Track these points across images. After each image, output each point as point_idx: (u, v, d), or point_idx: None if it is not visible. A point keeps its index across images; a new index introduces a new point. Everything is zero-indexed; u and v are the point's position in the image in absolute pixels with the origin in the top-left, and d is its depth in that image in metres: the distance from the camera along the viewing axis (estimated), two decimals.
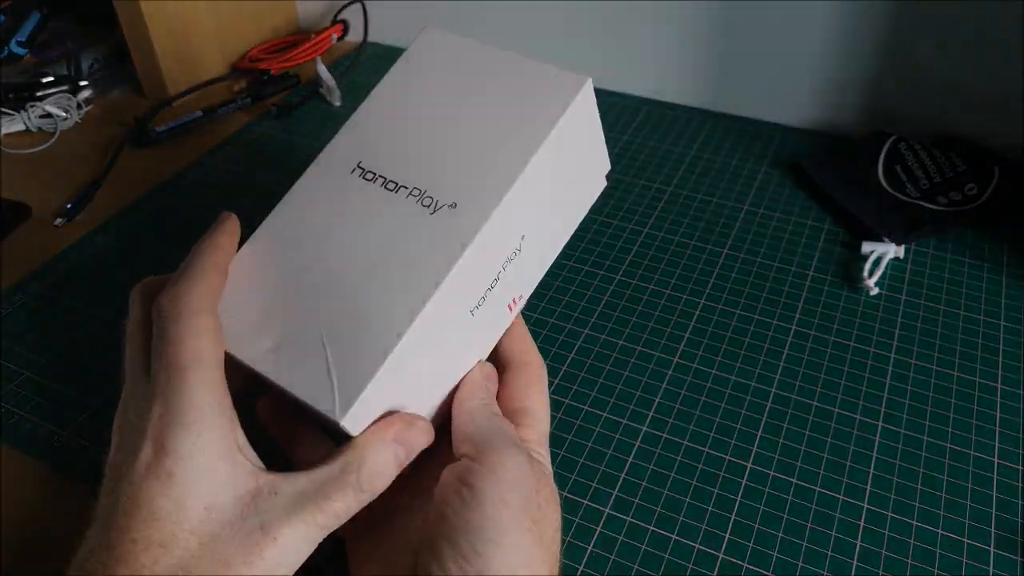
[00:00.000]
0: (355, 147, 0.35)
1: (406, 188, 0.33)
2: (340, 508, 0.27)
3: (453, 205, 0.32)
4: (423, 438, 0.30)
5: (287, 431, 0.33)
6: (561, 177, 0.35)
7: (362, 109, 0.36)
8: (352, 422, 0.28)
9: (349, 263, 0.31)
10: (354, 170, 0.34)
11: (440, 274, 0.30)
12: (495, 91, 0.35)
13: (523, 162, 0.32)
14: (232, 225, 0.32)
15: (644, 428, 0.41)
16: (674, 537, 0.36)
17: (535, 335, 0.46)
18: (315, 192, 0.34)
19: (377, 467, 0.28)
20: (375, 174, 0.34)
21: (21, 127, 0.65)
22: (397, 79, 0.37)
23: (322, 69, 0.68)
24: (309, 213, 0.33)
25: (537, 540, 0.27)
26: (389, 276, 0.31)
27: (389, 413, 0.30)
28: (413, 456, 0.30)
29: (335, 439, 0.32)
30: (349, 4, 0.75)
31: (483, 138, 0.34)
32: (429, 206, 0.32)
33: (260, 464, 0.28)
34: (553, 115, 0.33)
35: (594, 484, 0.38)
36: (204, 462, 0.26)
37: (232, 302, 0.31)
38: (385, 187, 0.33)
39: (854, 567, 0.35)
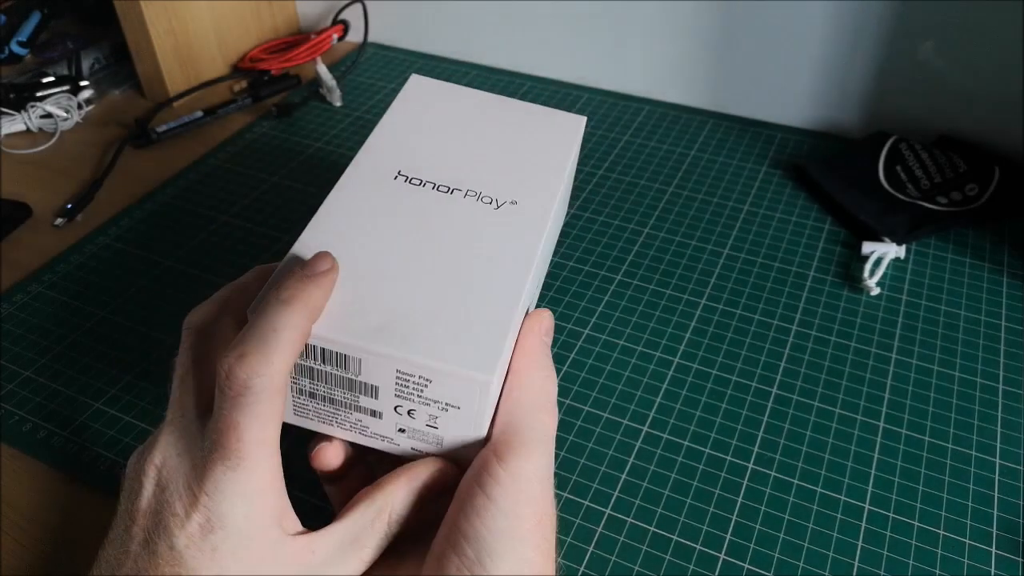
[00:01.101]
0: (387, 160, 0.36)
1: (460, 190, 0.34)
2: (374, 553, 0.28)
3: (515, 202, 0.34)
4: (437, 477, 0.29)
5: (337, 487, 0.33)
6: (563, 202, 0.38)
7: (375, 135, 0.37)
8: (495, 381, 0.27)
9: (429, 251, 0.31)
10: (396, 176, 0.35)
11: (531, 250, 0.32)
12: (501, 122, 0.39)
13: (559, 173, 0.36)
14: (331, 279, 0.29)
15: (645, 429, 0.41)
16: (675, 538, 0.36)
17: None
18: (360, 195, 0.34)
19: (407, 511, 0.28)
20: (421, 180, 0.35)
21: (21, 127, 0.65)
22: (400, 112, 0.39)
23: (322, 69, 0.68)
24: (360, 213, 0.33)
25: (545, 556, 0.27)
26: (477, 258, 0.31)
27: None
28: (430, 490, 0.29)
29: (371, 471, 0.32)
30: (349, 4, 0.75)
31: (510, 157, 0.36)
32: (491, 203, 0.34)
33: (298, 525, 0.27)
34: (571, 140, 0.38)
35: (595, 485, 0.38)
36: (248, 537, 0.26)
37: None
38: (437, 190, 0.34)
39: (855, 568, 0.35)
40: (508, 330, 0.29)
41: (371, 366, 0.28)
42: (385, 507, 0.28)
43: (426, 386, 0.28)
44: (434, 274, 0.30)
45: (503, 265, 0.31)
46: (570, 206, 0.56)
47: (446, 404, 0.28)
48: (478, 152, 0.37)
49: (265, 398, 0.26)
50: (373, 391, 0.29)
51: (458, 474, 0.30)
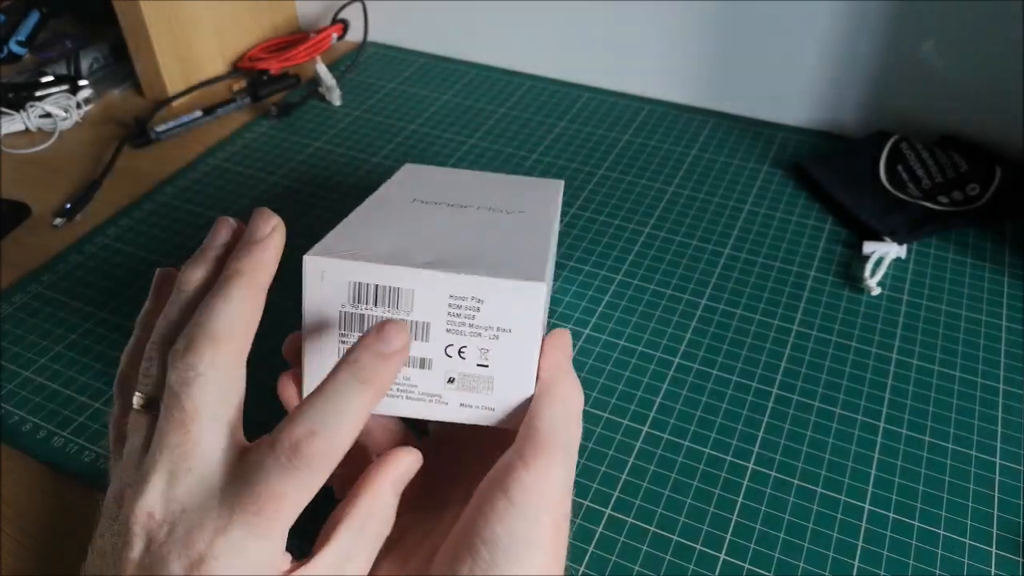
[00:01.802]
0: (399, 195, 0.38)
1: (473, 206, 0.37)
2: (372, 555, 0.28)
3: (522, 211, 0.37)
4: (416, 465, 0.29)
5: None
6: (551, 266, 0.39)
7: (379, 191, 0.39)
8: (544, 288, 0.28)
9: (457, 225, 0.33)
10: (413, 201, 0.37)
11: (548, 224, 0.35)
12: (492, 182, 0.42)
13: (553, 203, 0.39)
14: (404, 357, 0.27)
15: (645, 429, 0.41)
16: (675, 538, 0.36)
17: None
18: (380, 211, 0.35)
19: (387, 513, 0.28)
20: (436, 202, 0.37)
21: (21, 127, 0.65)
22: (398, 181, 0.41)
23: (322, 68, 0.68)
24: (385, 217, 0.34)
25: (558, 562, 0.27)
26: (501, 225, 0.34)
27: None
28: (408, 481, 0.29)
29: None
30: (349, 3, 0.75)
31: (506, 196, 0.39)
32: (502, 212, 0.36)
33: (288, 561, 0.27)
34: (554, 191, 0.41)
35: (595, 485, 0.38)
36: None
37: (354, 243, 0.30)
38: (450, 206, 0.37)
39: (856, 568, 0.35)
40: (547, 260, 0.30)
41: (423, 296, 0.29)
42: (366, 520, 0.27)
43: (478, 310, 0.29)
44: (467, 235, 0.32)
45: (526, 230, 0.34)
46: (570, 206, 0.56)
47: (497, 329, 0.29)
48: (478, 193, 0.40)
49: (320, 477, 0.25)
50: (424, 331, 0.29)
51: (419, 455, 0.29)
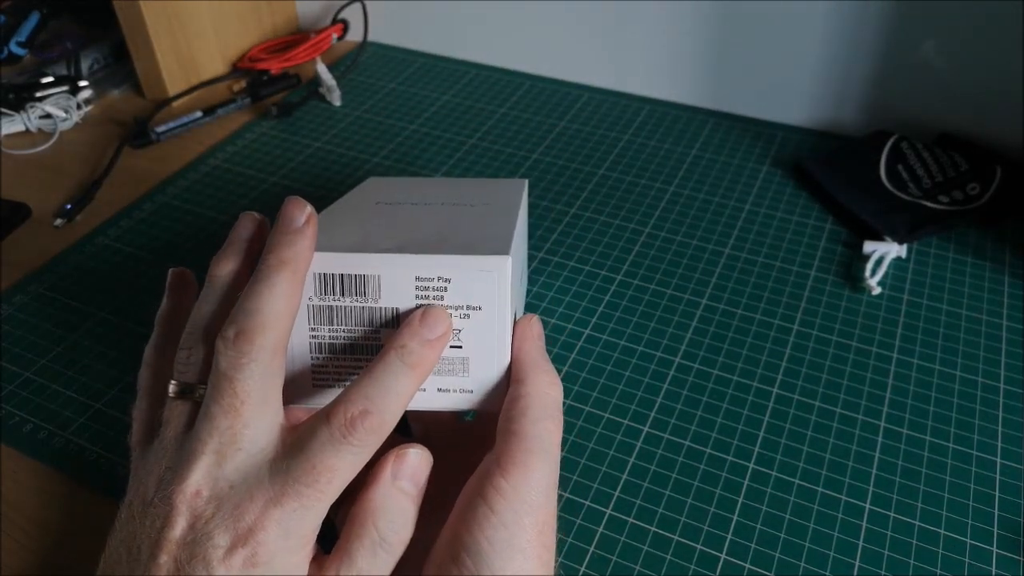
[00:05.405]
0: (362, 200, 0.38)
1: (437, 203, 0.36)
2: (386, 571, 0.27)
3: (486, 204, 0.36)
4: (426, 463, 0.28)
5: None
6: (521, 258, 0.39)
7: (341, 199, 0.39)
8: (510, 262, 0.28)
9: (423, 216, 0.33)
10: (377, 203, 0.37)
11: (511, 216, 0.34)
12: (455, 185, 0.42)
13: (519, 195, 0.38)
14: (445, 344, 0.29)
15: (646, 429, 0.41)
16: (676, 538, 0.36)
17: None
18: (345, 211, 0.35)
19: (399, 518, 0.27)
20: (400, 203, 0.37)
21: (21, 127, 0.65)
22: (359, 189, 0.41)
23: (322, 69, 0.68)
24: (351, 215, 0.34)
25: (544, 564, 0.27)
26: (466, 214, 0.33)
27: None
28: (423, 483, 0.28)
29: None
30: (349, 4, 0.75)
31: (471, 194, 0.39)
32: (465, 206, 0.36)
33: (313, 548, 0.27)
34: (519, 189, 0.40)
35: (595, 485, 0.38)
36: (286, 573, 0.26)
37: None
38: (413, 204, 0.36)
39: (856, 568, 0.35)
40: (511, 239, 0.30)
41: (390, 281, 0.29)
42: (381, 525, 0.27)
43: (445, 290, 0.29)
44: (430, 225, 0.32)
45: (489, 217, 0.33)
46: (571, 206, 0.56)
47: (467, 308, 0.29)
48: (441, 193, 0.39)
49: (368, 452, 0.26)
50: (394, 318, 0.29)
51: (427, 453, 0.29)
